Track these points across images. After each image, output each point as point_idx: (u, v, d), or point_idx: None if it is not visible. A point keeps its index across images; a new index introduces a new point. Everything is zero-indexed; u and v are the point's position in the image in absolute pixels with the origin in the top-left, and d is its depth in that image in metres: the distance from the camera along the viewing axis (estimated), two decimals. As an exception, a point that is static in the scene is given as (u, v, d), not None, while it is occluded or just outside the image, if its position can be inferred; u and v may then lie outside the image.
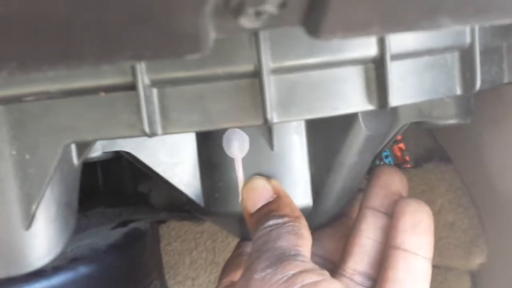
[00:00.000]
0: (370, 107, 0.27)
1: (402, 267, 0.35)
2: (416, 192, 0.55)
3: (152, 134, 0.27)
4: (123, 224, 0.43)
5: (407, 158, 0.48)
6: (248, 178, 0.37)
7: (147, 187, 0.50)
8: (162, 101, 0.27)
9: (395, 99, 0.27)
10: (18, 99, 0.27)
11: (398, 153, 0.48)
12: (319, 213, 0.40)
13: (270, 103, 0.26)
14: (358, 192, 0.42)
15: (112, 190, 0.49)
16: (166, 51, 0.17)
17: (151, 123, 0.27)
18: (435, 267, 0.56)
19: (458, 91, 0.30)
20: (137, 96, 0.26)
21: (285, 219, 0.33)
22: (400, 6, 0.17)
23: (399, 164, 0.48)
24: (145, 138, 0.37)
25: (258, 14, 0.16)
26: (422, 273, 0.36)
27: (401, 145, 0.48)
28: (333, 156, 0.37)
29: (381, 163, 0.47)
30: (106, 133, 0.27)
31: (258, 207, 0.35)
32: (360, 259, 0.38)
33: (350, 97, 0.27)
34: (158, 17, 0.15)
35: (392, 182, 0.40)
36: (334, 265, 0.41)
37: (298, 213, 0.35)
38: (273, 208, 0.35)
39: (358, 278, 0.38)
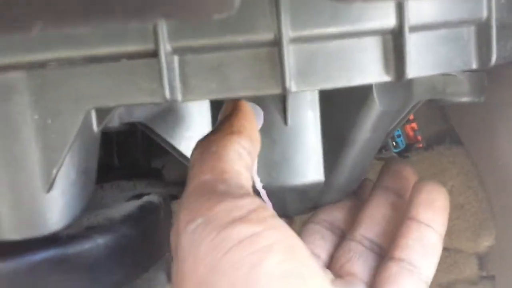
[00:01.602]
0: (387, 78, 0.28)
1: (414, 236, 0.36)
2: (427, 174, 0.55)
3: (173, 101, 0.27)
4: (137, 197, 0.44)
5: (419, 138, 0.48)
6: (260, 152, 0.38)
7: (160, 162, 0.51)
8: (182, 68, 0.27)
9: (412, 70, 0.27)
10: (40, 65, 0.28)
11: (410, 133, 0.48)
12: (331, 189, 0.40)
13: (289, 72, 0.27)
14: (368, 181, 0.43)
15: (127, 165, 0.50)
16: (195, 11, 0.18)
17: (172, 90, 0.27)
18: (444, 249, 0.56)
19: (474, 65, 0.30)
20: (159, 63, 0.27)
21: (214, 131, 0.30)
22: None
23: (411, 144, 0.49)
24: (162, 110, 0.38)
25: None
26: (433, 245, 0.36)
27: (413, 124, 0.48)
28: (347, 132, 0.37)
29: (393, 142, 0.47)
30: (127, 99, 0.28)
31: (221, 119, 0.32)
32: (370, 228, 0.39)
33: (367, 67, 0.27)
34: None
35: (405, 169, 0.40)
36: (342, 233, 0.41)
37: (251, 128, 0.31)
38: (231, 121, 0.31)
39: (367, 243, 0.39)
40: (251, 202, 0.26)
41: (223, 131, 0.30)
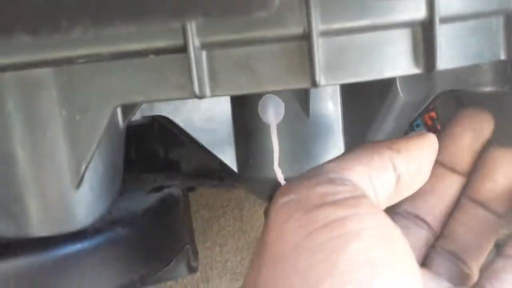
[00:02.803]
0: (417, 70, 0.27)
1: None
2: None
3: (202, 96, 0.27)
4: (158, 189, 0.44)
5: (439, 127, 0.48)
6: (281, 144, 0.38)
7: (177, 154, 0.51)
8: (211, 64, 0.27)
9: (443, 62, 0.27)
10: (68, 61, 0.28)
11: (429, 122, 0.48)
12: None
13: (318, 66, 0.27)
14: None
15: (145, 157, 0.50)
16: (235, 9, 0.18)
17: (201, 85, 0.27)
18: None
19: (502, 56, 0.30)
20: (188, 58, 0.26)
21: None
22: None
23: (430, 133, 0.48)
24: (182, 103, 0.38)
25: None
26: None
27: (432, 114, 0.48)
28: (369, 123, 0.37)
29: (412, 132, 0.47)
30: (156, 95, 0.28)
31: None
32: (455, 242, 0.37)
33: (397, 60, 0.27)
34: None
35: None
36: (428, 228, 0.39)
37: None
38: None
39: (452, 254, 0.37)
40: (351, 190, 0.25)
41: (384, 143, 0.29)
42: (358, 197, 0.25)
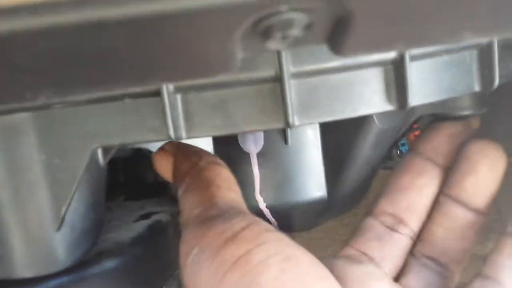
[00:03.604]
0: (390, 107, 0.28)
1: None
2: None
3: (177, 138, 0.27)
4: (145, 217, 0.44)
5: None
6: (262, 172, 0.38)
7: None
8: (185, 107, 0.27)
9: (415, 99, 0.27)
10: (46, 107, 0.28)
11: (414, 141, 0.48)
12: (335, 204, 0.41)
13: (291, 107, 0.27)
14: None
15: (133, 180, 0.50)
16: (196, 73, 0.18)
17: (176, 128, 0.27)
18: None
19: (477, 88, 0.30)
20: (162, 102, 0.27)
21: (187, 180, 0.31)
22: (425, 25, 0.17)
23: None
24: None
25: (284, 37, 0.17)
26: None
27: (417, 132, 0.48)
28: (347, 150, 0.38)
29: (397, 151, 0.48)
30: (133, 138, 0.28)
31: (170, 174, 0.33)
32: (429, 247, 0.37)
33: (370, 98, 0.28)
34: (191, 47, 0.16)
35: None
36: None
37: (195, 158, 0.32)
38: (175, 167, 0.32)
39: (427, 262, 0.36)
40: (243, 219, 0.27)
41: (200, 167, 0.31)
42: (252, 225, 0.26)
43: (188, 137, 0.28)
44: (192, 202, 0.29)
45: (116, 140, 0.28)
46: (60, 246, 0.30)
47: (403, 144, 0.48)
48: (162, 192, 0.49)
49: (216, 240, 0.25)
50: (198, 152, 0.33)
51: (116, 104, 0.28)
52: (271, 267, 0.24)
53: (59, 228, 0.30)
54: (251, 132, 0.33)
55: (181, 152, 0.33)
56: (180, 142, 0.33)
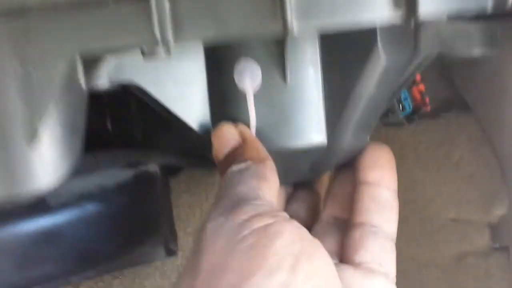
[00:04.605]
0: (397, 14, 0.25)
1: (367, 197, 0.37)
2: (434, 143, 0.53)
3: (164, 42, 0.25)
4: (132, 165, 0.42)
5: (427, 100, 0.46)
6: (258, 113, 0.36)
7: (156, 131, 0.49)
8: (174, 7, 0.25)
9: (424, 6, 0.25)
10: (21, 10, 0.26)
11: (418, 95, 0.46)
12: (335, 151, 0.38)
13: (290, 9, 0.25)
14: None
15: (121, 133, 0.47)
16: None
17: (162, 30, 0.25)
18: (454, 220, 0.54)
19: (489, 7, 0.28)
20: (148, 3, 0.25)
21: (248, 163, 0.33)
22: None
23: (418, 107, 0.46)
24: (153, 69, 0.36)
25: None
26: (387, 201, 0.37)
27: (421, 86, 0.46)
28: (350, 89, 0.35)
29: (400, 105, 0.45)
30: (115, 42, 0.26)
31: (225, 153, 0.35)
32: (333, 206, 0.40)
33: (375, 4, 0.25)
34: None
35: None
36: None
37: (264, 156, 0.34)
38: (238, 153, 0.34)
39: (331, 220, 0.40)
40: (270, 207, 0.30)
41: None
42: (276, 211, 0.30)
43: (176, 41, 0.25)
44: (245, 181, 0.32)
45: (96, 44, 0.26)
46: (34, 164, 0.28)
47: (405, 99, 0.46)
48: (151, 143, 0.46)
49: (242, 215, 0.29)
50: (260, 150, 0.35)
51: (98, 10, 0.26)
52: (285, 236, 0.28)
53: (31, 143, 0.27)
54: (244, 38, 0.31)
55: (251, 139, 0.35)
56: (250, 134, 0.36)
